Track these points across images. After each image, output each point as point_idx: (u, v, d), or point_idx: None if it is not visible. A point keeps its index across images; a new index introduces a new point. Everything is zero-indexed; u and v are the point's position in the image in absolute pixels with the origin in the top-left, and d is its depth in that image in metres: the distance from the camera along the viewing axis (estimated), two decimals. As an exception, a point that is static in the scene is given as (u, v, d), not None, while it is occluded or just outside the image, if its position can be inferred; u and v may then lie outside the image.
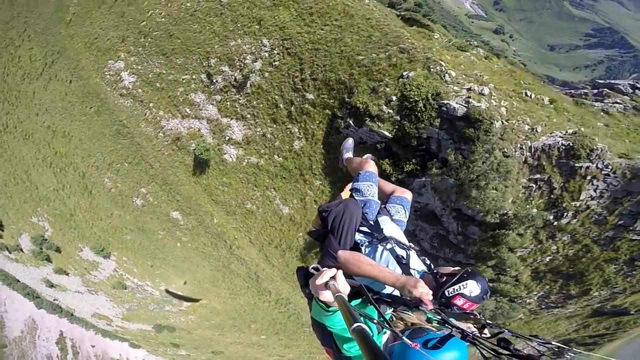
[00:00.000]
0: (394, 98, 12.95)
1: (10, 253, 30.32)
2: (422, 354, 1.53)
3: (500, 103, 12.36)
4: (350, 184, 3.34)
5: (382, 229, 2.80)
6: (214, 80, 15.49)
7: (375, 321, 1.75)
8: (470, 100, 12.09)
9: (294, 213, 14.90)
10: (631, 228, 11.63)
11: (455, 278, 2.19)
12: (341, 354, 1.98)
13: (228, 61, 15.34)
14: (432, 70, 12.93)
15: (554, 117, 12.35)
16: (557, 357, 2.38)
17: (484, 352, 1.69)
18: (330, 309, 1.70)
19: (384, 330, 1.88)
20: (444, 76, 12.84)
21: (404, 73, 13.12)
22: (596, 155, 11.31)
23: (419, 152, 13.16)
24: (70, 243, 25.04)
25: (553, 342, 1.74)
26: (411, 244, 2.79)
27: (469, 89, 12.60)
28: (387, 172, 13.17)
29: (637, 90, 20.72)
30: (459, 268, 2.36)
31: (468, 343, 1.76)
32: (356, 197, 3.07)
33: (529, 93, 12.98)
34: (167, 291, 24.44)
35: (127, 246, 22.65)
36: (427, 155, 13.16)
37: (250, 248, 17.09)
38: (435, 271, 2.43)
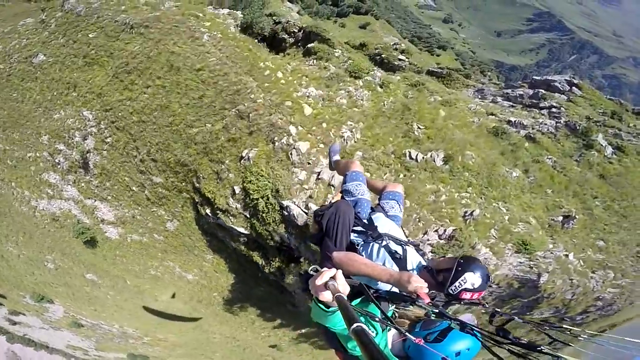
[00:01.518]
0: (237, 190, 10.01)
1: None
2: (429, 350, 1.57)
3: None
4: (341, 186, 3.35)
5: (376, 227, 2.78)
6: (57, 160, 12.64)
7: (377, 319, 1.75)
8: (310, 205, 8.62)
9: (198, 279, 12.57)
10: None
11: (452, 275, 2.11)
12: (348, 353, 2.05)
13: (59, 138, 12.57)
14: (277, 144, 9.83)
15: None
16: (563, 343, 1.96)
17: (485, 342, 1.71)
18: (329, 309, 1.65)
19: (389, 327, 1.88)
20: (291, 154, 9.53)
21: (245, 152, 10.06)
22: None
23: (284, 250, 10.46)
24: (11, 291, 21.69)
25: (564, 326, 1.73)
26: (409, 238, 2.82)
27: (317, 177, 9.15)
28: (260, 264, 10.73)
29: (573, 88, 19.91)
30: (451, 257, 2.35)
31: (467, 334, 1.77)
32: (347, 198, 3.10)
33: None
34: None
35: (63, 296, 19.94)
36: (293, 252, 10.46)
37: (177, 302, 14.82)
38: (428, 267, 2.38)
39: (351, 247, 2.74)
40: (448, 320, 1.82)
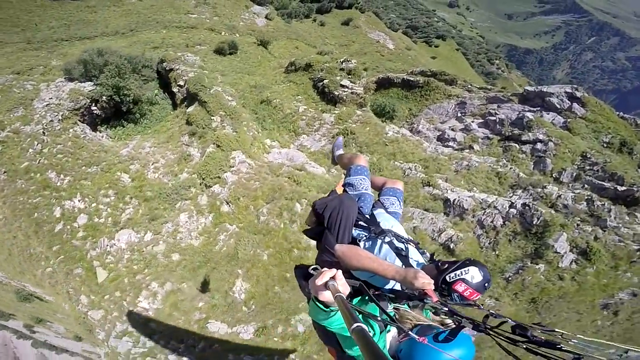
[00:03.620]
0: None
1: None
2: (433, 349, 1.51)
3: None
4: (342, 179, 3.29)
5: (379, 223, 2.69)
6: None
7: (378, 319, 1.76)
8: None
9: None
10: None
11: (457, 265, 2.04)
12: (344, 353, 2.06)
13: None
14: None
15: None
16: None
17: (500, 341, 1.65)
18: (328, 308, 1.63)
19: (388, 328, 1.86)
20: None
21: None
22: None
23: None
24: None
25: (557, 330, 1.67)
26: (410, 237, 2.68)
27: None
28: None
29: (574, 104, 16.14)
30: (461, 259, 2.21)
31: (481, 334, 1.71)
32: (350, 192, 3.01)
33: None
34: None
35: None
36: None
37: None
38: (436, 260, 2.27)
39: (352, 242, 2.60)
40: (459, 318, 1.76)
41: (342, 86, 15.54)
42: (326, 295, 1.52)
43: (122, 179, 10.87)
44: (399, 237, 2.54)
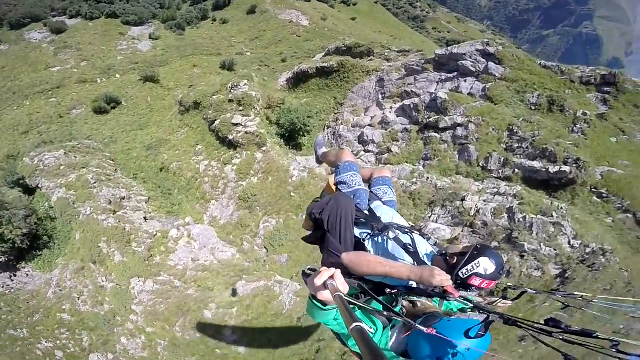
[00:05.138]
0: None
1: None
2: (441, 338, 1.45)
3: None
4: (333, 178, 3.14)
5: (379, 217, 2.61)
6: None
7: (385, 314, 1.73)
8: None
9: None
10: None
11: (466, 258, 1.98)
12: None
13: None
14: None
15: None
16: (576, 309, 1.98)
17: (532, 333, 1.61)
18: (326, 307, 1.61)
19: (393, 323, 1.85)
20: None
21: None
22: None
23: None
24: None
25: (575, 292, 1.69)
26: (412, 224, 2.70)
27: None
28: None
29: (490, 63, 14.16)
30: (469, 245, 2.18)
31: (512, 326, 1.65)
32: (343, 190, 2.89)
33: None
34: None
35: None
36: None
37: None
38: (444, 252, 2.23)
39: (357, 243, 2.50)
40: (486, 313, 1.66)
41: (235, 125, 13.27)
42: (325, 295, 1.52)
43: (64, 317, 10.45)
44: (402, 229, 2.46)
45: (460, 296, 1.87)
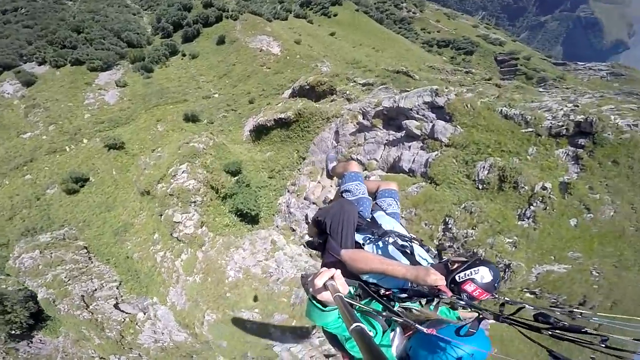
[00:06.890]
0: None
1: None
2: (444, 339, 1.48)
3: None
4: (338, 188, 3.30)
5: (380, 225, 2.69)
6: None
7: (383, 314, 1.76)
8: None
9: None
10: None
11: (467, 264, 2.02)
12: (353, 357, 1.99)
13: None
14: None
15: None
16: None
17: (523, 330, 1.65)
18: (326, 308, 1.63)
19: (392, 327, 1.86)
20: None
21: None
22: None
23: None
24: None
25: (575, 310, 1.65)
26: (412, 235, 2.66)
27: None
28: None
29: (439, 121, 13.30)
30: (472, 256, 2.27)
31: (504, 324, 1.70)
32: (348, 198, 2.98)
33: None
34: None
35: None
36: None
37: None
38: (445, 259, 2.26)
39: (357, 247, 2.55)
40: (478, 310, 1.74)
41: (177, 223, 12.90)
42: (325, 296, 1.51)
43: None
44: (402, 237, 2.50)
45: (452, 296, 1.88)
